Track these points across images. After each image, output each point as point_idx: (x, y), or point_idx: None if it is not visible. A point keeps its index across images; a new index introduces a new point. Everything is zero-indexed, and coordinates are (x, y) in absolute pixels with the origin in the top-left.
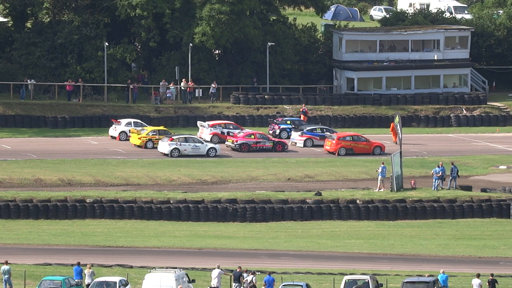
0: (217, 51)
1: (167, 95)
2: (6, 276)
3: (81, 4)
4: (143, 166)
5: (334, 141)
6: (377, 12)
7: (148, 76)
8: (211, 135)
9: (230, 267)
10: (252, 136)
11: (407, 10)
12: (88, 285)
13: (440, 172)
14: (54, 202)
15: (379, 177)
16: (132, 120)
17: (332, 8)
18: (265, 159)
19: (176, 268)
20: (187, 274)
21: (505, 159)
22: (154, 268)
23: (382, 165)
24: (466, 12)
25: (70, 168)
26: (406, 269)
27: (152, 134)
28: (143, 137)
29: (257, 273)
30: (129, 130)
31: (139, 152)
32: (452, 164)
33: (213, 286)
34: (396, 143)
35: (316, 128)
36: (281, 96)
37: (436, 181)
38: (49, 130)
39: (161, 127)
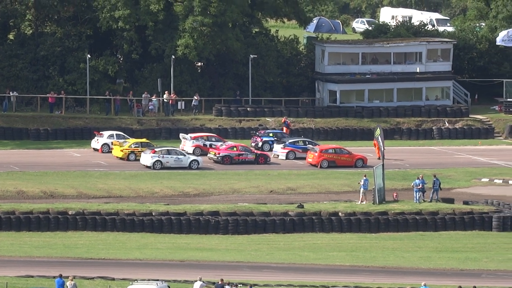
0: (199, 64)
1: (150, 108)
2: None
3: (63, 16)
4: (126, 179)
5: (316, 154)
6: (360, 25)
7: (132, 94)
8: (194, 148)
9: (212, 280)
10: (235, 149)
11: (389, 22)
12: None
13: (420, 184)
14: (36, 214)
15: (361, 189)
16: (114, 133)
17: (315, 21)
18: (248, 172)
19: (158, 280)
20: (169, 286)
21: (487, 171)
22: (136, 280)
23: (364, 178)
24: (448, 24)
25: (52, 180)
26: (388, 281)
27: (135, 147)
28: (126, 149)
29: (239, 285)
30: (112, 143)
31: (121, 165)
32: (434, 176)
33: None
34: (379, 158)
35: (298, 141)
36: (263, 108)
37: (417, 193)
38: (32, 142)
39: (144, 140)
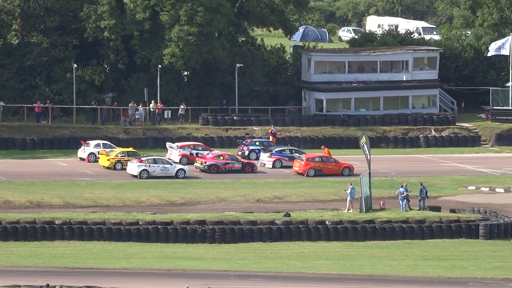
0: (186, 73)
1: (136, 117)
2: None
3: (49, 26)
4: (112, 188)
5: (303, 162)
6: (346, 33)
7: (119, 103)
8: (180, 157)
9: None
10: (221, 157)
11: (375, 31)
12: None
13: (405, 192)
14: (23, 224)
15: (348, 198)
16: (101, 142)
17: (301, 29)
18: (234, 180)
19: None
20: None
21: (474, 179)
22: None
23: (351, 186)
24: (434, 33)
25: (39, 190)
26: None
27: (121, 156)
28: (112, 158)
29: None
30: (98, 152)
31: (108, 174)
32: (421, 184)
33: None
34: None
35: (285, 149)
36: (250, 117)
37: (403, 201)
38: (18, 152)
39: (130, 149)
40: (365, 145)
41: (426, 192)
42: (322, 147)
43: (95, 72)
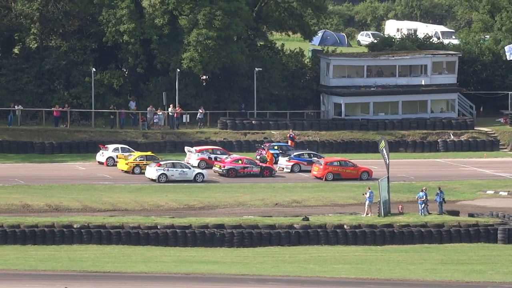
0: (204, 77)
1: (155, 121)
2: None
3: (68, 30)
4: (131, 192)
5: (321, 166)
6: (365, 38)
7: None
8: (199, 161)
9: None
10: (240, 162)
11: (394, 35)
12: None
13: (424, 197)
14: (41, 228)
15: (367, 202)
16: (119, 146)
17: (320, 34)
18: (253, 184)
19: None
20: None
21: (492, 184)
22: None
23: (369, 190)
24: (453, 37)
25: (57, 193)
26: None
27: (140, 160)
28: (131, 162)
29: None
30: (117, 156)
31: (126, 178)
32: (439, 189)
33: None
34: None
35: (303, 153)
36: (268, 121)
37: (422, 205)
38: (36, 156)
39: (149, 153)
40: (384, 149)
41: (443, 196)
42: (265, 149)
43: (114, 76)
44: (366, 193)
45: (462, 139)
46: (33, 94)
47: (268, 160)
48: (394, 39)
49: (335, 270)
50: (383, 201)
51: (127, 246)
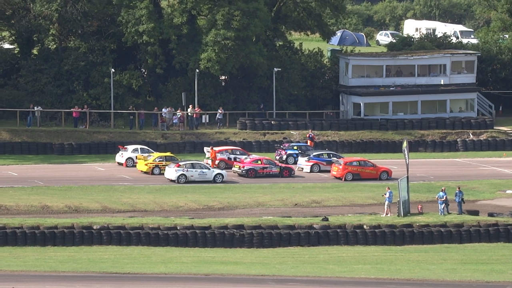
0: (223, 77)
1: (174, 121)
2: None
3: (87, 30)
4: (150, 192)
5: (341, 166)
6: (384, 37)
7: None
8: (218, 161)
9: None
10: (259, 162)
11: (413, 35)
12: None
13: (444, 197)
14: (61, 229)
15: (386, 202)
16: (138, 147)
17: (339, 33)
18: (272, 185)
19: None
20: None
21: None
22: None
23: (389, 190)
24: (472, 36)
25: (77, 194)
26: None
27: (159, 160)
28: (150, 163)
29: None
30: (136, 157)
31: (145, 178)
32: (458, 188)
33: None
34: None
35: (322, 154)
36: (287, 121)
37: (441, 205)
38: (56, 157)
39: (168, 153)
40: (406, 149)
41: (462, 196)
42: (210, 147)
43: (133, 76)
44: (385, 193)
45: (482, 138)
46: (52, 95)
47: (212, 158)
48: (413, 38)
49: (355, 270)
50: (403, 201)
51: (146, 247)
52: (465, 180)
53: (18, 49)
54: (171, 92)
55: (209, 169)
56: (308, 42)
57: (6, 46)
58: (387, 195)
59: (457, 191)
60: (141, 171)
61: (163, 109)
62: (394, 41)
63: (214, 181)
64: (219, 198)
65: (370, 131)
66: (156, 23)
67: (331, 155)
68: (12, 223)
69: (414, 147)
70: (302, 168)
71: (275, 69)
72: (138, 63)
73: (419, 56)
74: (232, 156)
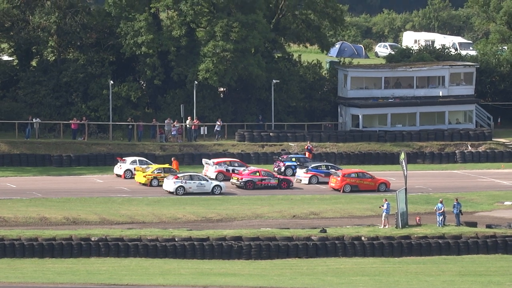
0: (222, 89)
1: (172, 133)
2: None
3: (86, 42)
4: (148, 204)
5: (339, 178)
6: (382, 49)
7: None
8: (216, 173)
9: None
10: (257, 174)
11: (412, 46)
12: None
13: (442, 208)
14: (59, 241)
15: (384, 213)
16: (137, 158)
17: (337, 45)
18: (270, 197)
19: None
20: None
21: (510, 195)
22: None
23: (386, 202)
24: (471, 48)
25: (75, 206)
26: None
27: (157, 172)
28: (148, 175)
29: None
30: (134, 168)
31: (144, 190)
32: (456, 200)
33: None
34: None
35: (321, 165)
36: (286, 133)
37: (439, 217)
38: (54, 169)
39: (166, 165)
40: (403, 161)
41: (460, 208)
42: (172, 159)
43: (132, 88)
44: (383, 205)
45: (480, 150)
46: (51, 107)
47: (174, 168)
48: (412, 50)
49: (353, 282)
50: (401, 212)
51: (145, 259)
52: (463, 192)
53: (17, 61)
54: (169, 104)
55: (207, 180)
56: (307, 54)
57: (5, 58)
58: (385, 206)
59: (455, 203)
60: (139, 183)
61: (165, 121)
62: (393, 52)
63: (212, 192)
64: (217, 209)
65: (369, 142)
66: (155, 35)
67: (330, 167)
68: (10, 235)
69: (413, 158)
70: (301, 180)
71: (274, 81)
72: (136, 75)
73: (417, 68)
74: (230, 168)
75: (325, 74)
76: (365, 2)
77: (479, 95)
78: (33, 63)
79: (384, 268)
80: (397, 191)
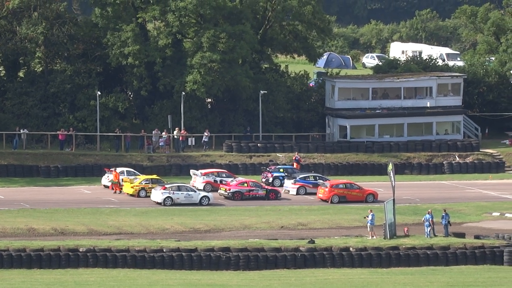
0: (209, 100)
1: (160, 144)
2: None
3: (73, 53)
4: (136, 215)
5: (327, 189)
6: (370, 60)
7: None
8: (204, 184)
9: None
10: (245, 184)
11: (399, 57)
12: None
13: (430, 219)
14: (47, 251)
15: (368, 224)
16: (125, 169)
17: (325, 56)
18: (258, 207)
19: None
20: None
21: (498, 206)
22: None
23: (371, 213)
24: (458, 59)
25: (63, 217)
26: None
27: (145, 183)
28: (136, 186)
29: None
30: (122, 179)
31: (132, 201)
32: (444, 211)
33: None
34: None
35: (309, 176)
36: (273, 144)
37: (428, 228)
38: (42, 180)
39: (154, 176)
40: (391, 172)
41: (449, 219)
42: (112, 169)
43: (119, 99)
44: (368, 216)
45: (468, 161)
46: (38, 117)
47: (116, 181)
48: (399, 61)
49: None
50: (389, 223)
51: (133, 270)
52: (451, 203)
53: (4, 71)
54: (157, 114)
55: (195, 191)
56: (294, 65)
57: None
58: (370, 217)
59: (443, 214)
60: (127, 193)
61: (153, 132)
62: (380, 63)
63: (200, 203)
64: (205, 220)
65: (356, 153)
66: (141, 46)
67: (317, 178)
68: None
69: (400, 169)
70: (289, 191)
71: (261, 92)
72: (124, 86)
73: (405, 78)
74: (218, 179)
75: (311, 84)
76: (353, 13)
77: (466, 106)
78: (21, 74)
79: (372, 279)
80: (385, 202)
